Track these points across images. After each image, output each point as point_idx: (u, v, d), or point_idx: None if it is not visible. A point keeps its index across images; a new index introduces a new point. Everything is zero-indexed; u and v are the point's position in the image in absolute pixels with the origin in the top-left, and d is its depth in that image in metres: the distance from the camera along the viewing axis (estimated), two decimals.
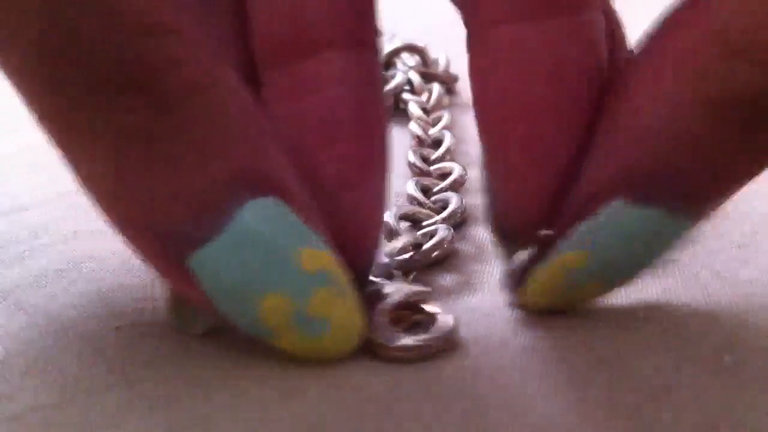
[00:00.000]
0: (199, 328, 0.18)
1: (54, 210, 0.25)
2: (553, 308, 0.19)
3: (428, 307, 0.19)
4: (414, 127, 0.29)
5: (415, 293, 0.19)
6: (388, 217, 0.22)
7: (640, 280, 0.18)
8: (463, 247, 0.22)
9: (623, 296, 0.19)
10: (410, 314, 0.19)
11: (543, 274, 0.18)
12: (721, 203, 0.18)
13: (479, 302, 0.20)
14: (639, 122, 0.17)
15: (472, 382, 0.17)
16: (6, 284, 0.21)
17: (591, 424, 0.15)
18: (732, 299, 0.20)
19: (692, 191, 0.17)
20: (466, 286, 0.20)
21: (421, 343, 0.17)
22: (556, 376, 0.17)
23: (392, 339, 0.17)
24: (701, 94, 0.16)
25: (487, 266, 0.21)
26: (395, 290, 0.19)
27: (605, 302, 0.19)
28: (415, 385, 0.17)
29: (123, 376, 0.17)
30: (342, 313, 0.16)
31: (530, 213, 0.18)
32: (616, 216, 0.17)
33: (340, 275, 0.16)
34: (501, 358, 0.18)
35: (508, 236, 0.19)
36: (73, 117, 0.15)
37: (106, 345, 0.18)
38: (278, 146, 0.16)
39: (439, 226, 0.22)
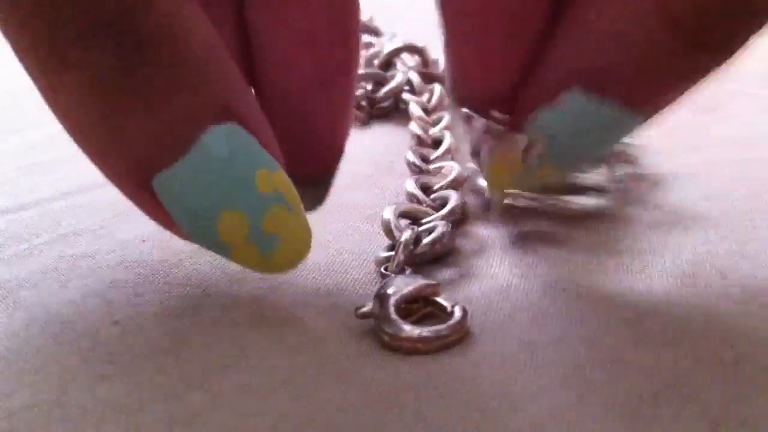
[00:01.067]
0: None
1: (53, 209, 0.25)
2: (514, 187, 0.20)
3: (439, 300, 0.19)
4: (414, 127, 0.29)
5: (426, 286, 0.19)
6: (388, 214, 0.22)
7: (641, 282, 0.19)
8: (462, 243, 0.22)
9: (623, 296, 0.19)
10: (421, 306, 0.19)
11: (502, 153, 0.19)
12: (667, 105, 0.19)
13: (480, 296, 0.20)
14: (604, 21, 0.18)
15: (472, 374, 0.17)
16: (5, 282, 0.21)
17: (590, 420, 0.15)
18: (732, 298, 0.20)
19: (643, 91, 0.18)
20: (466, 281, 0.20)
21: (432, 334, 0.18)
22: (557, 370, 0.17)
23: (403, 330, 0.18)
24: (663, 7, 0.17)
25: (487, 262, 0.21)
26: (406, 283, 0.19)
27: (605, 301, 0.19)
28: (416, 378, 0.17)
29: (122, 370, 0.17)
30: (292, 229, 0.18)
31: (485, 82, 0.20)
32: (572, 105, 0.18)
33: (293, 194, 0.18)
34: (502, 352, 0.18)
35: (464, 103, 0.20)
36: (47, 53, 0.16)
37: (104, 340, 0.18)
38: (240, 78, 0.17)
39: (438, 222, 0.22)
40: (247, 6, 0.19)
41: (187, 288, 0.20)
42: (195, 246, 0.22)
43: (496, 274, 0.21)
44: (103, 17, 0.15)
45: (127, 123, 0.16)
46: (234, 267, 0.21)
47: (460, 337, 0.18)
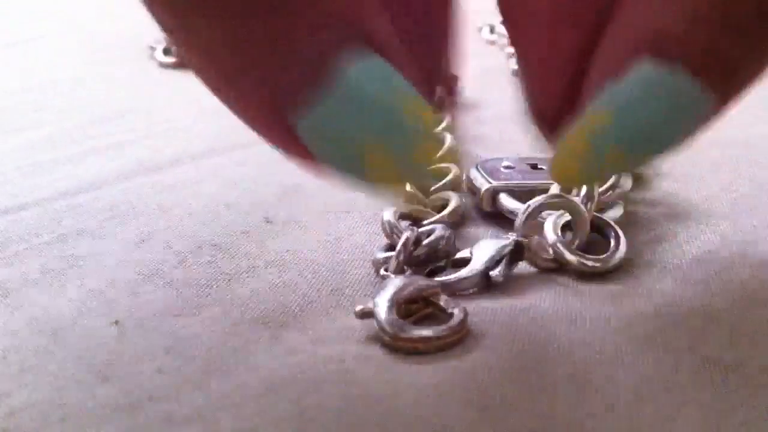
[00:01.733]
0: None
1: (53, 209, 0.25)
2: (581, 179, 0.19)
3: (438, 301, 0.19)
4: None
5: (426, 287, 0.19)
6: (388, 215, 0.22)
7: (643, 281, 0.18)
8: (461, 245, 0.22)
9: (623, 296, 0.19)
10: (421, 307, 0.19)
11: (570, 137, 0.18)
12: (747, 86, 0.18)
13: (479, 297, 0.20)
14: None
15: (472, 375, 0.17)
16: (5, 282, 0.21)
17: (590, 420, 0.15)
18: (732, 298, 0.20)
19: (721, 63, 0.17)
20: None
21: (432, 334, 0.18)
22: (557, 372, 0.17)
23: (403, 330, 0.18)
24: None
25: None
26: (406, 283, 0.19)
27: (606, 301, 0.19)
28: (416, 378, 0.17)
29: (122, 370, 0.17)
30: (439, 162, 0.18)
31: (553, 89, 0.19)
32: (643, 76, 0.17)
33: (437, 128, 0.18)
34: (501, 352, 0.18)
35: (539, 117, 0.20)
36: None
37: (104, 340, 0.18)
38: (381, 8, 0.16)
39: (437, 225, 0.22)
40: None
41: (187, 288, 0.20)
42: (195, 246, 0.22)
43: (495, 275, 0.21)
44: None
45: (272, 57, 0.15)
46: (233, 267, 0.21)
47: (460, 338, 0.18)
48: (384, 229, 0.22)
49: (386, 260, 0.21)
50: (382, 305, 0.18)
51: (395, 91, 0.16)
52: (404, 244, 0.21)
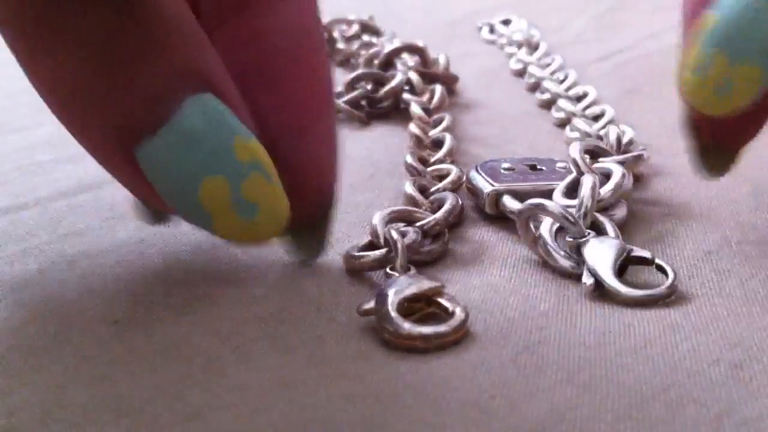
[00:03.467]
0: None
1: (53, 209, 0.25)
2: (699, 96, 0.19)
3: (441, 300, 0.19)
4: (413, 127, 0.29)
5: (429, 286, 0.19)
6: (377, 220, 0.22)
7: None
8: (460, 246, 0.22)
9: (623, 296, 0.19)
10: (423, 306, 0.19)
11: (685, 49, 0.19)
12: None
13: (479, 298, 0.20)
14: None
15: (472, 374, 0.17)
16: (6, 281, 0.21)
17: (590, 420, 0.15)
18: (732, 298, 0.20)
19: None
20: (465, 283, 0.20)
21: (432, 332, 0.18)
22: (556, 372, 0.17)
23: (403, 328, 0.18)
24: None
25: (486, 264, 0.21)
26: (409, 282, 0.19)
27: (605, 301, 0.19)
28: (416, 377, 0.17)
29: (122, 370, 0.17)
30: (271, 198, 0.18)
31: None
32: None
33: (269, 164, 0.18)
34: (501, 352, 0.18)
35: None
36: (35, 21, 0.16)
37: (104, 339, 0.18)
38: (211, 47, 0.18)
39: (447, 194, 0.22)
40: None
41: (187, 288, 0.20)
42: (194, 246, 0.22)
43: (494, 276, 0.21)
44: None
45: (108, 91, 0.17)
46: (233, 266, 0.21)
47: (459, 337, 0.18)
48: (371, 233, 0.21)
49: (377, 262, 0.21)
50: (383, 303, 0.18)
51: (225, 127, 0.17)
52: (409, 245, 0.21)
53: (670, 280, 0.19)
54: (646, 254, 0.20)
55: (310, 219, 0.20)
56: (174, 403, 0.16)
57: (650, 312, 0.19)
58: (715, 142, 0.21)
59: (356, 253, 0.21)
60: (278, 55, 0.19)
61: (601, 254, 0.20)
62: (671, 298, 0.19)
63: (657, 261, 0.20)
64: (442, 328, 0.18)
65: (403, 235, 0.21)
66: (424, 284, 0.19)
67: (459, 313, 0.18)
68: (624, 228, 0.22)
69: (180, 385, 0.17)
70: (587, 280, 0.20)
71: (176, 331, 0.18)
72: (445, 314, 0.18)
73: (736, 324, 0.19)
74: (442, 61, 0.36)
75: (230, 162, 0.17)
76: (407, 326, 0.18)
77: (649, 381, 0.17)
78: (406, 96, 0.33)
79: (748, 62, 0.18)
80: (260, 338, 0.18)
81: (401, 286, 0.19)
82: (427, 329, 0.18)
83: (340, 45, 0.41)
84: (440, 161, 0.27)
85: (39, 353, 0.18)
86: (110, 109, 0.17)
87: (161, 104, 0.17)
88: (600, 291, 0.20)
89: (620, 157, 0.25)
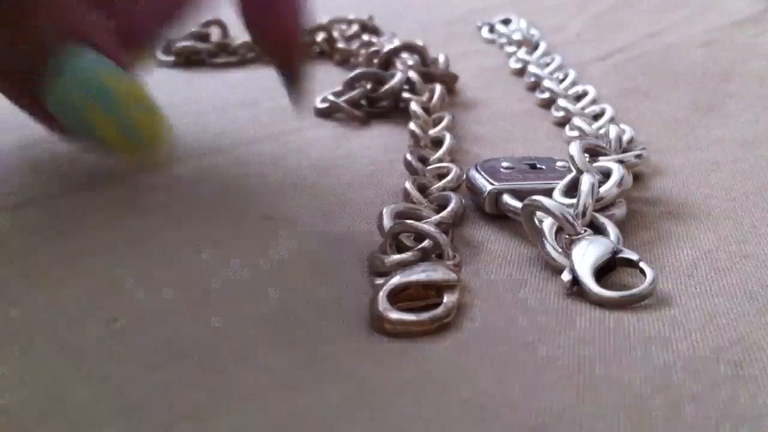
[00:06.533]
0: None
1: (54, 207, 0.25)
2: None
3: (446, 294, 0.19)
4: (413, 126, 0.29)
5: (441, 278, 0.19)
6: (386, 217, 0.22)
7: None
8: (458, 247, 0.22)
9: (628, 292, 0.19)
10: (434, 295, 0.19)
11: None
12: None
13: (479, 297, 0.20)
14: None
15: (472, 374, 0.17)
16: (6, 280, 0.21)
17: (590, 420, 0.15)
18: (732, 298, 0.20)
19: None
20: (465, 282, 0.20)
21: (412, 319, 0.18)
22: (554, 370, 0.17)
23: (390, 312, 0.18)
24: None
25: (486, 263, 0.21)
26: (424, 270, 0.19)
27: (608, 294, 0.19)
28: (416, 376, 0.17)
29: (121, 369, 0.17)
30: (147, 120, 0.23)
31: None
32: None
33: (143, 95, 0.23)
34: (501, 351, 0.18)
35: None
36: None
37: (104, 338, 0.18)
38: (83, 6, 0.22)
39: (449, 193, 0.23)
40: None
41: (187, 287, 0.20)
42: (194, 245, 0.22)
43: (494, 275, 0.21)
44: None
45: (7, 53, 0.22)
46: (233, 265, 0.21)
47: (439, 328, 0.18)
48: (380, 228, 0.22)
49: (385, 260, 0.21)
50: (381, 287, 0.19)
51: (103, 72, 0.22)
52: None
53: (646, 284, 0.19)
54: (633, 256, 0.20)
55: (287, 68, 0.25)
56: (173, 402, 0.16)
57: (649, 311, 0.19)
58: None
59: (383, 256, 0.21)
60: None
61: (586, 253, 0.20)
62: (646, 301, 0.19)
63: (641, 264, 0.20)
64: (423, 316, 0.18)
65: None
66: (436, 275, 0.19)
67: (444, 306, 0.18)
68: (623, 227, 0.22)
69: (179, 384, 0.17)
70: (565, 277, 0.20)
71: (176, 330, 0.18)
72: (435, 305, 0.19)
73: (735, 323, 0.19)
74: (441, 60, 0.36)
75: (112, 99, 0.22)
76: (396, 312, 0.18)
77: (648, 380, 0.17)
78: (405, 95, 0.33)
79: None
80: (260, 337, 0.18)
81: (409, 272, 0.19)
82: (409, 316, 0.18)
83: (340, 44, 0.41)
84: (440, 160, 0.27)
85: (39, 352, 0.18)
86: (12, 67, 0.22)
87: (45, 60, 0.21)
88: (579, 289, 0.20)
89: (620, 156, 0.25)
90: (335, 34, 0.42)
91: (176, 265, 0.21)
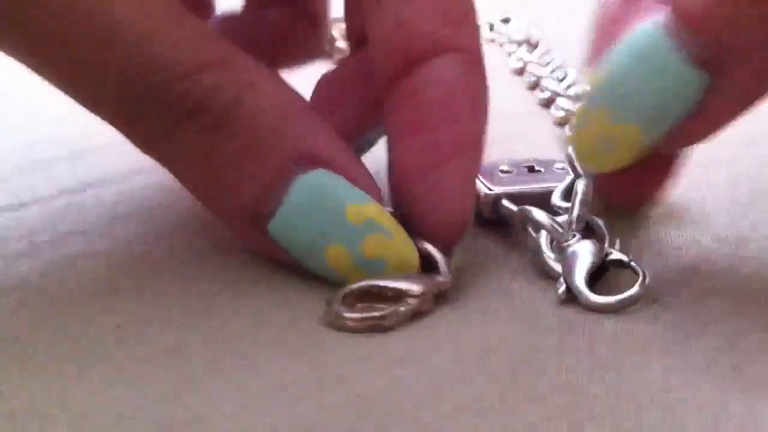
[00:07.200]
0: None
1: (53, 208, 0.25)
2: (585, 150, 0.20)
3: (402, 302, 0.19)
4: None
5: (397, 287, 0.19)
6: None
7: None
8: (456, 252, 0.22)
9: (623, 295, 0.19)
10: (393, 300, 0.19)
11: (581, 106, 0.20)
12: (745, 66, 0.18)
13: (477, 301, 0.20)
14: None
15: (471, 377, 0.17)
16: (5, 281, 0.21)
17: (589, 422, 0.15)
18: (732, 298, 0.20)
19: (717, 45, 0.18)
20: (463, 286, 0.20)
21: (351, 316, 0.19)
22: (555, 374, 0.17)
23: (346, 311, 0.19)
24: None
25: (484, 267, 0.21)
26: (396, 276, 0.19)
27: (604, 300, 0.19)
28: (414, 380, 0.17)
29: (122, 373, 0.17)
30: (393, 252, 0.19)
31: None
32: (637, 34, 0.18)
33: (385, 220, 0.19)
34: (499, 358, 0.18)
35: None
36: (157, 145, 0.20)
37: (104, 342, 0.18)
38: (322, 125, 0.20)
39: None
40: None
41: (188, 290, 0.20)
42: (197, 250, 0.22)
43: (492, 281, 0.21)
44: (177, 112, 0.18)
45: (231, 185, 0.19)
46: (235, 270, 0.21)
47: (379, 329, 0.18)
48: None
49: None
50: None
51: (335, 196, 0.19)
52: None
53: (638, 285, 0.19)
54: (623, 257, 0.20)
55: (447, 241, 0.21)
56: (174, 407, 0.16)
57: (647, 315, 0.19)
58: (617, 201, 0.22)
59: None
60: (432, 104, 0.21)
61: (578, 260, 0.20)
62: (642, 302, 0.19)
63: (632, 264, 0.20)
64: (367, 314, 0.19)
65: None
66: (397, 282, 0.19)
67: (391, 308, 0.19)
68: (622, 228, 0.22)
69: (180, 389, 0.17)
70: (559, 287, 0.20)
71: (177, 334, 0.18)
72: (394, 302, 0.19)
73: (734, 324, 0.19)
74: None
75: (344, 228, 0.19)
76: (352, 310, 0.19)
77: (647, 384, 0.17)
78: None
79: (628, 121, 0.19)
80: (260, 342, 0.18)
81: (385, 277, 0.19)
82: (355, 314, 0.19)
83: (340, 44, 0.41)
84: None
85: (39, 355, 0.18)
86: (237, 202, 0.19)
87: (271, 192, 0.19)
88: (573, 296, 0.20)
89: None
90: (335, 33, 0.42)
91: (176, 270, 0.21)
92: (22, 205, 0.25)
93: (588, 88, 0.19)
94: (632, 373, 0.17)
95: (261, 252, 0.21)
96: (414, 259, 0.20)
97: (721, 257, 0.21)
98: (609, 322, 0.19)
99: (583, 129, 0.20)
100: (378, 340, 0.18)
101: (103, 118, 0.20)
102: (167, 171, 0.20)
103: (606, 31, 0.21)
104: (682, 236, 0.23)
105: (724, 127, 0.20)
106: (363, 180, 0.20)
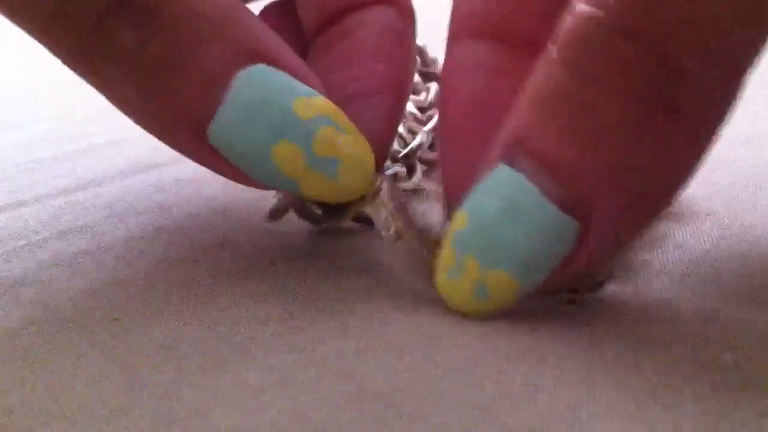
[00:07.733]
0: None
1: (52, 206, 0.25)
2: (457, 300, 0.18)
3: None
4: (406, 123, 0.29)
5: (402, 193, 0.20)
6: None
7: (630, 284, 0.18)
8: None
9: (623, 297, 0.19)
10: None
11: (444, 245, 0.18)
12: (611, 212, 0.17)
13: None
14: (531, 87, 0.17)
15: (471, 374, 0.17)
16: (5, 279, 0.21)
17: (590, 421, 0.15)
18: (732, 298, 0.20)
19: (575, 179, 0.16)
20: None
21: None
22: (557, 371, 0.17)
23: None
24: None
25: None
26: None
27: (605, 302, 0.19)
28: (415, 376, 0.17)
29: (121, 368, 0.17)
30: (348, 148, 0.18)
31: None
32: (498, 178, 0.17)
33: (338, 115, 0.18)
34: (501, 352, 0.18)
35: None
36: (86, 43, 0.18)
37: (104, 337, 0.18)
38: (264, 26, 0.19)
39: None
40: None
41: (187, 286, 0.20)
42: (195, 244, 0.22)
43: None
44: (118, 9, 0.17)
45: (166, 86, 0.18)
46: (234, 266, 0.21)
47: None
48: None
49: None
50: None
51: (282, 91, 0.18)
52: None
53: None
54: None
55: None
56: (173, 401, 0.16)
57: (648, 312, 0.19)
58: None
59: None
60: (364, 42, 0.21)
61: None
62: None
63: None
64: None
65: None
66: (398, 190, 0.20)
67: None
68: None
69: (180, 384, 0.17)
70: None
71: (176, 329, 0.18)
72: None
73: (734, 323, 0.18)
74: (441, 60, 0.36)
75: (293, 123, 0.18)
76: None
77: (648, 381, 0.17)
78: None
79: (498, 267, 0.17)
80: (259, 337, 0.18)
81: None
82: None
83: None
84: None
85: (38, 351, 0.18)
86: (171, 100, 0.18)
87: (216, 84, 0.18)
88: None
89: None
90: None
91: (175, 265, 0.21)
92: (22, 203, 0.25)
93: (452, 233, 0.18)
94: (635, 369, 0.17)
95: (205, 163, 0.19)
96: (370, 158, 0.19)
97: (722, 257, 0.21)
98: (612, 318, 0.19)
99: (452, 276, 0.18)
100: (378, 331, 0.18)
101: (28, 25, 0.18)
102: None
103: (458, 164, 0.20)
104: (684, 236, 0.23)
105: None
106: (312, 81, 0.19)
